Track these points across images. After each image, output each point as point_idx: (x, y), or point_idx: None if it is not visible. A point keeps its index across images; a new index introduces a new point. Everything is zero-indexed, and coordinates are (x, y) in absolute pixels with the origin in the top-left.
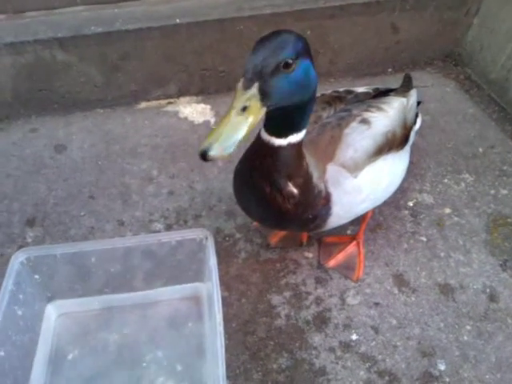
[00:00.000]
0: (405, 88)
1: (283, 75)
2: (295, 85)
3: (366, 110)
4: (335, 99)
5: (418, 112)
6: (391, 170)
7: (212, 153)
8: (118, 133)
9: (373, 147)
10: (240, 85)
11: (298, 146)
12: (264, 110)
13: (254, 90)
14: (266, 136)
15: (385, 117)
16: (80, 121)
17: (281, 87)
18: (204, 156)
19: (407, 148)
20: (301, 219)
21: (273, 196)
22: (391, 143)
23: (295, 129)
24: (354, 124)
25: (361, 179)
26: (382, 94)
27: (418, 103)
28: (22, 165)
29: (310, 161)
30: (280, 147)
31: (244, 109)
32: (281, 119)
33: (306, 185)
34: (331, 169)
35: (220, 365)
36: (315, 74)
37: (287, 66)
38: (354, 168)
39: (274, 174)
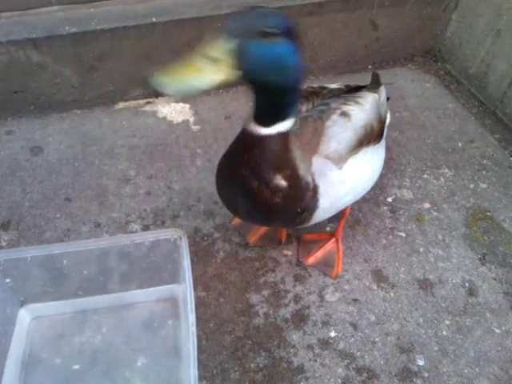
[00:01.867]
0: (374, 85)
1: (263, 43)
2: (272, 59)
3: (344, 104)
4: (312, 94)
5: (387, 107)
6: (371, 163)
7: (167, 91)
8: (95, 134)
9: (354, 140)
10: (219, 37)
11: (285, 135)
12: (234, 75)
13: (232, 45)
14: (252, 126)
15: (362, 110)
16: (56, 122)
17: (257, 55)
18: (156, 89)
19: (383, 142)
20: (288, 213)
21: (260, 189)
22: (370, 136)
23: (281, 117)
24: (334, 117)
25: (345, 171)
26: (353, 90)
27: (387, 99)
28: None
29: (296, 153)
30: (267, 137)
31: (214, 60)
32: (266, 105)
33: (294, 177)
34: (317, 161)
35: (192, 366)
36: (300, 62)
37: (270, 35)
38: (339, 160)
39: (262, 165)
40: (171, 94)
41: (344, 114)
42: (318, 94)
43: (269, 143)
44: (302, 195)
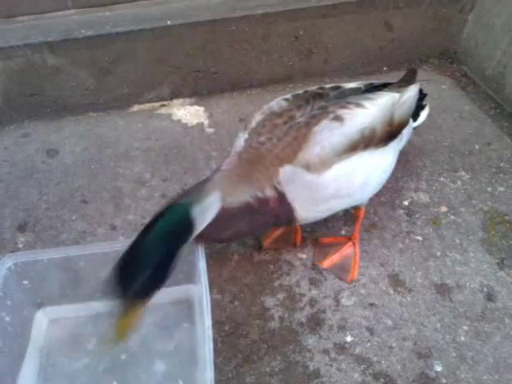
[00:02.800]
0: (403, 83)
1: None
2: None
3: (342, 107)
4: (315, 96)
5: (425, 105)
6: (369, 167)
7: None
8: (111, 136)
9: (343, 144)
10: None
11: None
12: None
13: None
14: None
15: (362, 113)
16: (72, 125)
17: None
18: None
19: (393, 145)
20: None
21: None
22: (368, 140)
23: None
24: (325, 121)
25: (326, 176)
26: (374, 88)
27: (423, 97)
28: (13, 170)
29: (241, 187)
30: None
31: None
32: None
33: (239, 222)
34: (285, 170)
35: (208, 369)
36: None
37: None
38: (321, 164)
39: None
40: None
41: (336, 118)
42: (323, 95)
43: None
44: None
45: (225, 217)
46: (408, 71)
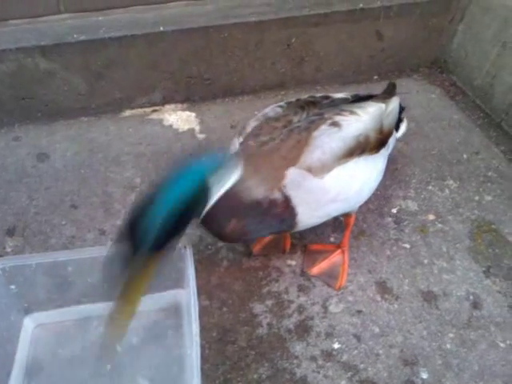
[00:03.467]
0: (386, 95)
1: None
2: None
3: (338, 114)
4: (309, 103)
5: (403, 118)
6: (364, 173)
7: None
8: (102, 141)
9: (342, 149)
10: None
11: (223, 198)
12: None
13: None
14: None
15: (357, 121)
16: (64, 129)
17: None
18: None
19: (384, 152)
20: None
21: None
22: (364, 146)
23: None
24: (323, 127)
25: (328, 180)
26: (360, 100)
27: (402, 109)
28: (3, 174)
29: (254, 180)
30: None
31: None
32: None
33: (246, 217)
34: (291, 173)
35: (195, 376)
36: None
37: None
38: (322, 168)
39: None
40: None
41: (334, 124)
42: (316, 103)
43: (213, 212)
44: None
45: (232, 203)
46: (388, 84)
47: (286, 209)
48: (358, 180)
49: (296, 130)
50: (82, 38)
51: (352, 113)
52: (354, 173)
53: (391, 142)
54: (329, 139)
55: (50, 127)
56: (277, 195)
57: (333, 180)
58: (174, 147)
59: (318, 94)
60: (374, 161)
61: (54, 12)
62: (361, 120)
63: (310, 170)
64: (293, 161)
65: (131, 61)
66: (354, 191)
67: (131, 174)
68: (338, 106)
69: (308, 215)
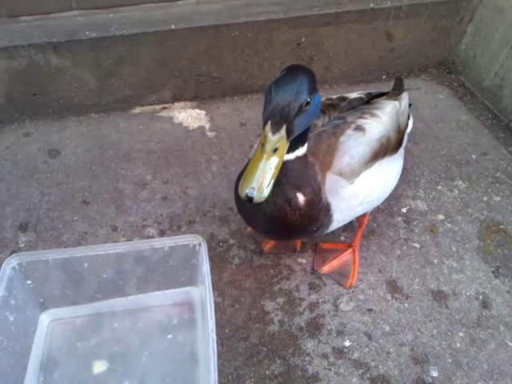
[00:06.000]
0: (396, 91)
1: (304, 113)
2: (312, 116)
3: (360, 117)
4: (329, 107)
5: (409, 114)
6: (387, 174)
7: (255, 198)
8: (112, 138)
9: (368, 153)
10: (268, 128)
11: (303, 158)
12: (288, 144)
13: (283, 132)
14: None
15: (378, 123)
16: (74, 125)
17: (303, 123)
18: (250, 200)
19: (401, 150)
20: (306, 231)
21: (282, 207)
22: (386, 148)
23: (300, 144)
24: (349, 131)
25: (357, 185)
26: (374, 98)
27: (409, 105)
28: (14, 169)
29: (316, 171)
30: (287, 161)
31: (275, 150)
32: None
33: (315, 194)
34: (329, 178)
35: (212, 371)
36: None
37: (307, 104)
38: (351, 174)
39: (284, 185)
40: (262, 199)
41: (358, 128)
42: (335, 106)
43: (289, 166)
44: (318, 212)
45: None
46: (396, 80)
47: (326, 214)
48: (382, 182)
49: (324, 134)
50: (93, 35)
51: (373, 115)
52: (378, 175)
53: (405, 139)
54: (355, 144)
55: (60, 123)
56: (323, 197)
57: (361, 184)
58: (185, 145)
59: (334, 96)
60: (395, 161)
61: (65, 9)
62: (381, 121)
63: (341, 175)
64: (328, 165)
65: (141, 58)
66: (378, 193)
67: (142, 171)
68: (357, 108)
69: (338, 221)
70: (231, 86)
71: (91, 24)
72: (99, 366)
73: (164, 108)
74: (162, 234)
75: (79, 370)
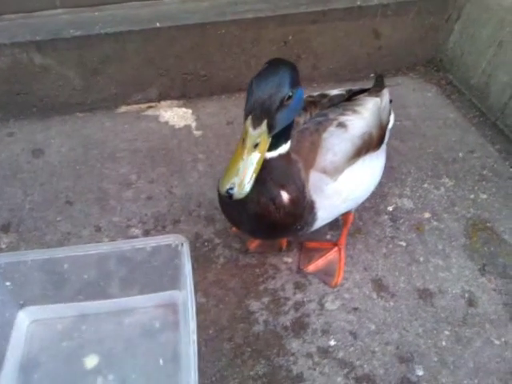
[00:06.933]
0: (377, 88)
1: (285, 107)
2: (294, 111)
3: (342, 114)
4: (310, 104)
5: (390, 110)
6: (370, 171)
7: (236, 194)
8: (97, 137)
9: (351, 150)
10: (249, 122)
11: (286, 156)
12: (270, 139)
13: (264, 127)
14: None
15: (360, 119)
16: (59, 125)
17: (285, 117)
18: (231, 197)
19: (384, 147)
20: (290, 229)
21: (266, 206)
22: (368, 145)
23: (283, 141)
24: (331, 128)
25: (341, 182)
26: (355, 94)
27: (390, 101)
28: None
29: (300, 168)
30: (271, 159)
31: (256, 145)
32: (272, 137)
33: (299, 192)
34: (313, 175)
35: (192, 374)
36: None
37: (288, 98)
38: (334, 171)
39: (267, 183)
40: (243, 195)
41: (341, 125)
42: (316, 103)
43: (273, 164)
44: (302, 210)
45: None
46: (377, 77)
47: (310, 212)
48: (366, 178)
49: (306, 131)
50: (78, 33)
51: (354, 112)
52: (362, 172)
53: (387, 135)
54: (338, 141)
55: (44, 123)
56: (308, 195)
57: (345, 181)
58: (171, 144)
59: (315, 93)
60: (377, 157)
61: (49, 7)
62: (363, 118)
63: (324, 172)
64: (312, 162)
65: (127, 57)
66: (362, 189)
67: (127, 171)
68: (338, 105)
69: (323, 219)
70: (218, 84)
71: (76, 22)
72: (80, 368)
73: (150, 107)
74: (146, 233)
75: (59, 371)
